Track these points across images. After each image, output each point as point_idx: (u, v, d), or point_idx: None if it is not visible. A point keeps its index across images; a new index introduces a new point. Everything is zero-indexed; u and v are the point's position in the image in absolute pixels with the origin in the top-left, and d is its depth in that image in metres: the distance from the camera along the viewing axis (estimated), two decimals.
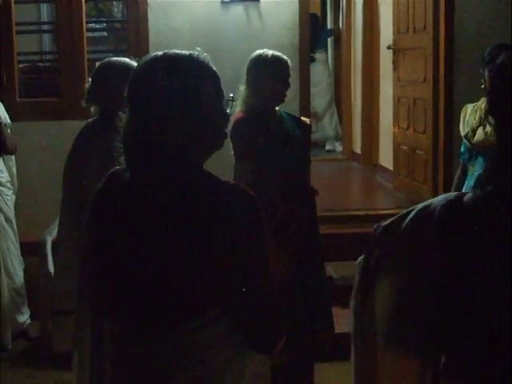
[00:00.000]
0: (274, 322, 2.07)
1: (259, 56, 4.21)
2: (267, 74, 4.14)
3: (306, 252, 4.29)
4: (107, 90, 3.90)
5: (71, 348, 4.10)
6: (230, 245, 1.95)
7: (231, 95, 2.15)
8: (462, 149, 4.93)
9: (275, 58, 4.17)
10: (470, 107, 4.82)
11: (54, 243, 4.54)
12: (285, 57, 4.21)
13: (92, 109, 4.01)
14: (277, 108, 4.30)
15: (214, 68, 2.09)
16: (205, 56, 2.08)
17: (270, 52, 4.21)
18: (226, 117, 2.12)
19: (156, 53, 2.07)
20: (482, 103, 4.65)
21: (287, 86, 4.20)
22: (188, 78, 2.01)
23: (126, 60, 4.00)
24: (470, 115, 4.75)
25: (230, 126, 3.94)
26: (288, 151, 4.20)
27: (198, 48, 2.10)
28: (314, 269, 4.33)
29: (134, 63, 3.96)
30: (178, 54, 2.06)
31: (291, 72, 4.25)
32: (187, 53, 2.07)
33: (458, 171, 5.00)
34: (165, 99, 1.99)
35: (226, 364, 2.04)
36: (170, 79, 2.00)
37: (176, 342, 1.99)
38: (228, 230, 1.95)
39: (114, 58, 4.13)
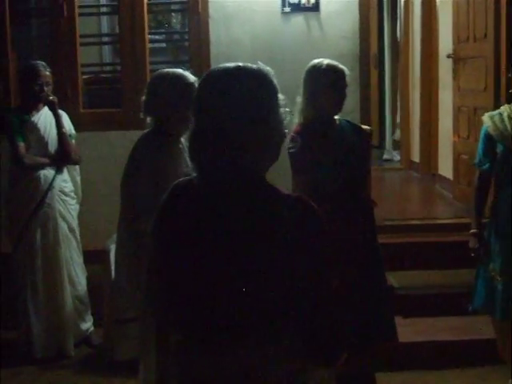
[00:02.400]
0: (336, 335, 2.05)
1: (314, 66, 4.19)
2: (323, 84, 4.11)
3: (365, 262, 4.27)
4: (161, 101, 3.93)
5: (132, 356, 4.18)
6: (294, 258, 1.96)
7: (287, 109, 2.16)
8: (481, 156, 4.63)
9: (330, 68, 4.14)
10: None
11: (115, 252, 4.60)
12: (341, 66, 4.18)
13: (148, 120, 4.05)
14: (337, 117, 4.29)
15: (272, 77, 2.11)
16: (267, 70, 2.11)
17: (326, 61, 4.18)
18: (284, 130, 2.13)
19: (225, 64, 2.10)
20: None
21: (344, 95, 4.16)
22: (255, 92, 2.04)
23: (180, 71, 4.02)
24: None
25: (287, 139, 3.96)
26: (347, 161, 4.19)
27: (259, 62, 2.13)
28: (374, 279, 4.32)
29: (188, 74, 4.00)
30: (248, 67, 2.09)
31: (351, 81, 4.23)
32: (254, 66, 2.09)
33: (477, 182, 4.66)
34: (232, 111, 2.01)
35: (290, 378, 2.04)
36: (240, 90, 2.03)
37: (240, 355, 2.00)
38: (292, 242, 1.96)
39: (168, 69, 4.13)
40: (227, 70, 2.08)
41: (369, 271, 4.28)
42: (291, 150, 4.04)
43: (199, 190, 2.09)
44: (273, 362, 2.01)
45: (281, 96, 2.10)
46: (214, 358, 2.03)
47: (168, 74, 4.05)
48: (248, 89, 2.04)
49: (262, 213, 2.01)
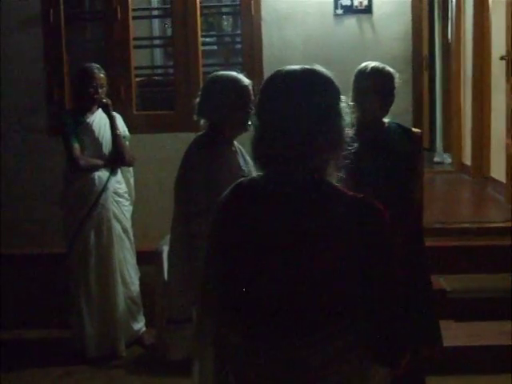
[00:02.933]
0: (403, 336, 2.06)
1: (360, 70, 4.15)
2: (367, 87, 4.07)
3: (409, 266, 4.25)
4: (215, 104, 3.94)
5: (184, 357, 4.20)
6: (361, 259, 1.97)
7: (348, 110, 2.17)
8: None
9: (375, 71, 4.10)
10: None
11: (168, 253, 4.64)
12: (387, 68, 4.14)
13: (201, 122, 4.06)
14: (386, 120, 4.28)
15: (335, 81, 2.13)
16: (329, 72, 2.12)
17: (372, 64, 4.14)
18: (347, 131, 2.14)
19: (288, 67, 2.11)
20: None
21: (390, 97, 4.12)
22: (321, 93, 2.06)
23: (234, 74, 4.02)
24: None
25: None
26: (393, 164, 4.16)
27: (318, 66, 2.14)
28: (418, 283, 4.29)
29: (242, 77, 4.01)
30: (310, 69, 2.10)
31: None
32: (317, 68, 2.11)
33: None
34: (299, 113, 2.02)
35: (345, 380, 2.04)
36: (304, 94, 2.04)
37: (299, 356, 2.01)
38: (359, 244, 1.97)
39: (223, 72, 4.14)
40: (292, 72, 2.09)
41: (412, 275, 4.26)
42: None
43: (263, 190, 2.10)
44: (329, 365, 2.02)
45: (343, 98, 2.11)
46: (272, 359, 2.03)
47: (222, 76, 4.07)
48: (314, 91, 2.05)
49: (327, 214, 2.01)
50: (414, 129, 4.59)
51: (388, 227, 2.04)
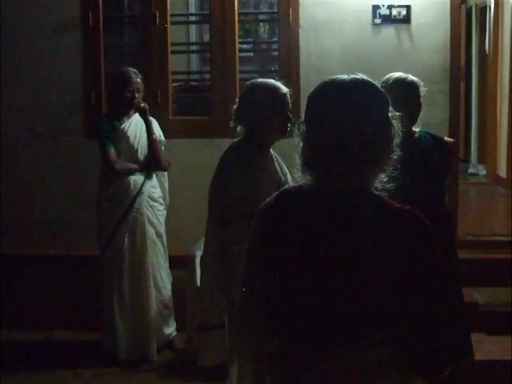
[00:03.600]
0: (446, 347, 2.06)
1: (384, 81, 4.17)
2: (391, 98, 4.10)
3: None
4: (253, 111, 3.96)
5: (215, 363, 4.20)
6: (405, 271, 1.98)
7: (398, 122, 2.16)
8: None
9: (397, 81, 4.16)
10: None
11: (201, 258, 4.65)
12: (411, 78, 4.19)
13: (238, 129, 4.08)
14: (417, 129, 4.27)
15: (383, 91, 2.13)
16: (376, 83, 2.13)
17: (395, 75, 4.21)
18: (395, 143, 2.14)
19: (341, 76, 2.11)
20: None
21: (415, 107, 4.15)
22: (374, 105, 2.07)
23: (273, 81, 4.05)
24: None
25: None
26: (421, 173, 4.16)
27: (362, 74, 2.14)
28: (451, 295, 4.26)
29: (280, 85, 4.02)
30: (360, 79, 2.10)
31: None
32: (367, 78, 2.11)
33: None
34: (351, 124, 2.02)
35: None
36: (356, 104, 2.05)
37: (341, 363, 2.01)
38: (404, 256, 1.98)
39: (261, 79, 4.18)
40: (342, 82, 2.10)
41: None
42: None
43: (312, 199, 2.10)
44: (372, 373, 2.02)
45: (391, 107, 2.11)
46: (314, 366, 2.04)
47: (261, 83, 4.09)
48: (366, 101, 2.06)
49: (376, 226, 2.02)
50: (446, 138, 4.58)
51: (434, 240, 2.04)
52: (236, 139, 4.11)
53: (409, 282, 1.98)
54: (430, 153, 4.20)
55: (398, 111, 4.00)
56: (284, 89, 4.01)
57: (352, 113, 2.03)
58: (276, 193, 2.23)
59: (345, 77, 2.10)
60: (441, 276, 2.05)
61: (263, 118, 3.94)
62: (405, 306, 1.99)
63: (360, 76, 2.11)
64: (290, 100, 4.03)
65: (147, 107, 5.56)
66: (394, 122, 2.12)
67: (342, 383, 2.02)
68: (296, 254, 2.08)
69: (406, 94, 4.11)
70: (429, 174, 4.17)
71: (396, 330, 2.01)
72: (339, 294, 2.01)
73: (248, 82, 4.22)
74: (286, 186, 2.24)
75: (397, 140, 2.13)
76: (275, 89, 4.00)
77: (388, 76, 4.21)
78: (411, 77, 4.21)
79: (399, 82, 4.15)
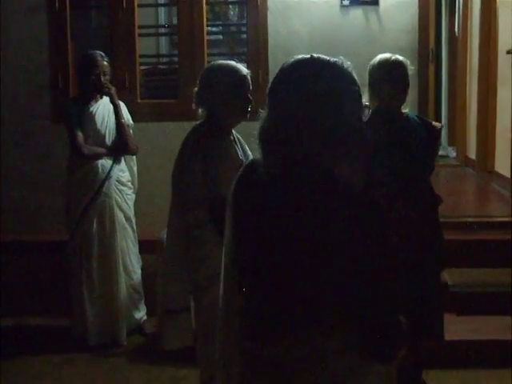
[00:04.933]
0: (395, 330, 2.03)
1: (378, 59, 4.22)
2: (384, 78, 4.15)
3: (418, 259, 4.25)
4: (213, 94, 3.92)
5: (180, 346, 4.20)
6: (354, 250, 1.95)
7: (366, 102, 2.14)
8: None
9: (382, 61, 4.19)
10: None
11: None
12: (396, 57, 4.20)
13: (200, 111, 4.06)
14: (406, 111, 4.30)
15: (356, 77, 2.09)
16: (349, 64, 2.08)
17: (389, 56, 4.22)
18: (363, 123, 2.13)
19: (303, 56, 2.08)
20: None
21: (401, 85, 4.18)
22: (332, 83, 2.02)
23: (233, 63, 4.01)
24: None
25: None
26: (406, 155, 4.18)
27: (341, 57, 2.10)
28: (427, 276, 4.28)
29: (241, 67, 4.00)
30: (325, 59, 2.07)
31: (410, 77, 4.23)
32: (333, 59, 2.07)
33: None
34: (308, 100, 2.00)
35: (349, 371, 2.04)
36: (315, 82, 2.01)
37: (306, 344, 2.01)
38: (352, 235, 1.95)
39: (221, 61, 4.13)
40: (301, 62, 2.07)
41: (421, 268, 4.26)
42: None
43: (272, 182, 2.08)
44: (335, 355, 2.02)
45: (357, 88, 2.09)
46: (284, 348, 2.05)
47: (221, 66, 4.05)
48: (324, 81, 2.02)
49: (332, 207, 1.99)
50: (434, 122, 4.61)
51: (385, 222, 2.02)
52: (197, 122, 4.09)
53: (361, 263, 1.96)
54: (417, 135, 4.23)
55: (387, 89, 4.08)
56: (244, 70, 3.97)
57: (304, 91, 2.01)
58: (239, 176, 2.21)
59: (304, 56, 2.07)
60: (388, 260, 2.03)
61: (223, 101, 3.92)
62: (359, 286, 1.97)
63: (321, 55, 2.08)
64: (250, 82, 4.01)
65: (114, 91, 5.52)
66: (357, 104, 2.08)
67: (306, 364, 2.02)
68: (260, 237, 2.08)
69: (391, 73, 4.15)
70: (415, 156, 4.19)
71: (355, 312, 1.99)
72: (298, 271, 2.00)
73: (208, 65, 4.20)
74: (248, 162, 2.20)
75: (360, 124, 2.10)
76: (235, 71, 3.97)
77: (383, 55, 4.24)
78: (397, 56, 4.23)
79: (384, 61, 4.19)
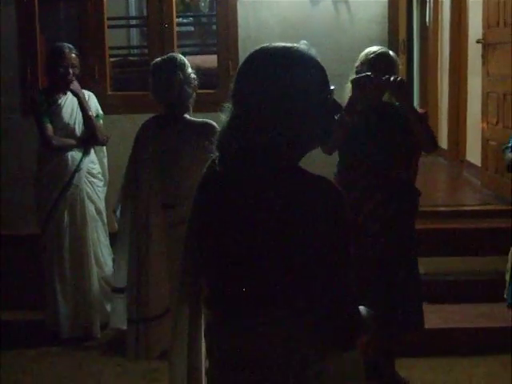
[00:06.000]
0: (350, 317, 2.02)
1: (365, 51, 4.32)
2: (368, 68, 4.22)
3: (396, 246, 4.27)
4: (163, 86, 4.09)
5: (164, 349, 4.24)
6: (311, 236, 1.95)
7: (333, 87, 2.12)
8: None
9: (377, 54, 4.25)
10: None
11: None
12: (387, 52, 4.29)
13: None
14: (388, 100, 4.35)
15: (319, 60, 2.07)
16: (310, 49, 2.07)
17: (376, 48, 4.31)
18: (337, 108, 2.11)
19: (262, 45, 2.07)
20: None
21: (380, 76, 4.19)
22: (292, 70, 2.00)
23: (181, 57, 4.14)
24: None
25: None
26: (386, 140, 4.24)
27: (305, 41, 2.09)
28: (404, 267, 4.31)
29: (186, 61, 4.11)
30: (282, 46, 2.05)
31: None
32: (291, 45, 2.05)
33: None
34: (266, 91, 1.99)
35: (306, 359, 2.03)
36: (273, 71, 2.00)
37: (263, 331, 2.02)
38: (309, 222, 1.95)
39: (172, 54, 4.32)
40: (264, 51, 2.06)
41: (398, 259, 4.28)
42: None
43: (232, 172, 2.08)
44: (291, 342, 2.02)
45: (320, 72, 2.07)
46: (240, 334, 2.05)
47: (166, 60, 4.21)
48: (284, 68, 2.00)
49: (279, 194, 1.98)
50: (419, 109, 4.65)
51: (343, 209, 1.99)
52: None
53: (320, 250, 1.96)
54: (397, 122, 4.29)
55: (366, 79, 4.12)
56: (189, 64, 4.14)
57: (261, 81, 2.00)
58: (205, 169, 2.21)
59: (264, 45, 2.06)
60: (348, 248, 2.01)
61: (171, 93, 4.00)
62: (312, 272, 1.97)
63: (286, 44, 2.06)
64: (196, 75, 4.13)
65: (75, 84, 5.48)
66: (321, 91, 2.05)
67: (263, 351, 2.03)
68: (217, 226, 2.09)
69: (374, 63, 4.22)
70: (393, 142, 4.26)
71: (313, 299, 1.99)
72: (254, 262, 2.01)
73: (155, 60, 4.30)
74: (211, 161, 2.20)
75: (328, 111, 2.09)
76: (184, 64, 4.08)
77: (369, 48, 4.33)
78: (384, 49, 4.34)
79: (369, 53, 4.27)
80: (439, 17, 9.67)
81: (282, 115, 1.99)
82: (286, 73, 2.00)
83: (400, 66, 4.38)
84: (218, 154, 2.09)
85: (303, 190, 1.99)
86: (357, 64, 4.30)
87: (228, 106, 2.08)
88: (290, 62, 2.02)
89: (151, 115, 6.03)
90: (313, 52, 2.07)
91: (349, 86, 4.23)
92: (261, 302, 2.01)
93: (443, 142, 9.30)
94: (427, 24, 10.42)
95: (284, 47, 2.05)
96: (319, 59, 2.08)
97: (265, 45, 2.08)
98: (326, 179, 2.03)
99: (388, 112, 4.33)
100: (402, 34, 10.63)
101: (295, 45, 2.06)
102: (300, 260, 1.96)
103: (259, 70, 2.04)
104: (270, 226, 1.98)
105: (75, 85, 5.47)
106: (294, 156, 2.07)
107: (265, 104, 1.99)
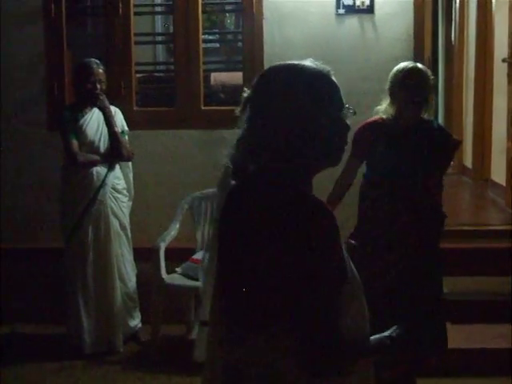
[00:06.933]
0: (329, 344, 1.94)
1: (397, 67, 4.30)
2: (399, 85, 4.21)
3: (419, 266, 4.25)
4: None
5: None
6: (296, 257, 1.92)
7: (351, 108, 2.11)
8: None
9: (409, 69, 4.24)
10: None
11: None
12: (419, 67, 4.27)
13: None
14: (428, 118, 4.35)
15: (334, 78, 2.08)
16: (324, 67, 2.08)
17: (407, 63, 4.31)
18: (345, 128, 2.09)
19: (277, 63, 2.09)
20: None
21: (416, 95, 4.21)
22: (306, 89, 2.01)
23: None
24: None
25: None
26: (413, 163, 4.22)
27: (316, 61, 2.10)
28: (428, 285, 4.28)
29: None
30: (296, 64, 2.06)
31: None
32: (306, 64, 2.06)
33: None
34: (278, 109, 2.00)
35: (298, 379, 2.00)
36: (286, 90, 2.01)
37: (249, 350, 2.03)
38: (295, 242, 1.93)
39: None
40: (276, 69, 2.08)
41: (422, 276, 4.25)
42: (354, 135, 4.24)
43: (239, 180, 2.12)
44: (282, 360, 2.00)
45: (334, 92, 2.07)
46: (240, 349, 2.06)
47: None
48: (297, 90, 2.01)
49: (273, 213, 1.99)
50: (454, 136, 4.65)
51: (328, 229, 1.95)
52: None
53: (299, 270, 1.93)
54: (430, 143, 4.27)
55: (401, 98, 4.11)
56: None
57: (272, 99, 2.01)
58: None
59: (278, 63, 2.09)
60: (331, 268, 1.95)
61: None
62: (298, 295, 1.94)
63: (299, 62, 2.07)
64: None
65: (102, 100, 5.51)
66: (334, 111, 2.05)
67: (254, 367, 2.03)
68: (230, 240, 2.12)
69: (405, 80, 4.20)
70: (429, 164, 4.23)
71: (296, 320, 1.96)
72: (251, 278, 2.02)
73: None
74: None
75: (340, 131, 2.08)
76: None
77: (403, 63, 4.32)
78: (416, 64, 4.32)
79: (401, 69, 4.25)
80: (465, 35, 9.64)
81: (288, 134, 1.99)
82: (291, 91, 2.00)
83: (432, 78, 4.32)
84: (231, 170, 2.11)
85: (290, 209, 1.97)
86: (388, 86, 4.27)
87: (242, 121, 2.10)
88: (299, 79, 2.02)
89: (176, 131, 6.11)
90: (325, 69, 2.08)
91: (380, 108, 4.24)
92: (254, 317, 2.03)
93: (468, 161, 9.26)
94: (452, 42, 10.39)
95: (292, 65, 2.06)
96: (333, 76, 2.08)
97: (275, 64, 2.10)
98: (314, 198, 2.00)
99: (423, 129, 4.32)
100: (428, 52, 10.60)
101: (305, 62, 2.06)
102: (281, 280, 1.95)
103: (267, 88, 2.05)
104: (260, 244, 1.99)
105: (103, 100, 5.51)
106: (299, 178, 2.06)
107: (271, 122, 2.01)
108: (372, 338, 2.10)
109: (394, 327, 2.14)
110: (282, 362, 1.99)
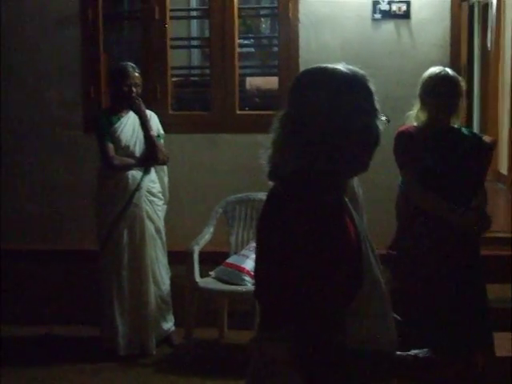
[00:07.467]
0: (322, 351, 1.91)
1: (428, 72, 4.29)
2: (430, 91, 4.21)
3: (465, 271, 4.22)
4: None
5: None
6: (286, 255, 1.93)
7: (386, 117, 2.11)
8: None
9: (440, 76, 4.23)
10: None
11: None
12: (450, 73, 4.26)
13: None
14: (457, 125, 4.34)
15: (370, 84, 2.07)
16: (358, 71, 2.07)
17: (438, 69, 4.29)
18: (377, 133, 2.07)
19: (313, 66, 2.10)
20: None
21: (448, 101, 4.21)
22: (336, 93, 2.01)
23: None
24: None
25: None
26: (451, 170, 4.20)
27: (349, 66, 2.09)
28: (473, 291, 4.27)
29: None
30: (329, 68, 2.06)
31: None
32: (339, 67, 2.06)
33: None
34: (311, 112, 2.00)
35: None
36: (317, 93, 2.01)
37: (265, 347, 2.07)
38: (283, 239, 1.95)
39: None
40: (308, 72, 2.10)
41: (468, 281, 4.23)
42: (394, 146, 4.26)
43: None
44: (283, 365, 2.01)
45: (375, 102, 2.07)
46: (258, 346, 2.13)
47: None
48: (326, 89, 2.01)
49: (271, 212, 2.06)
50: (485, 137, 4.61)
51: (312, 225, 1.93)
52: None
53: (289, 268, 1.93)
54: (466, 149, 4.26)
55: (432, 104, 4.10)
56: None
57: (306, 103, 2.02)
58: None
59: (313, 67, 2.10)
60: (317, 266, 1.91)
61: None
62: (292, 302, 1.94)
63: (328, 65, 2.07)
64: None
65: (138, 104, 5.54)
66: (367, 115, 2.05)
67: (260, 368, 2.08)
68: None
69: (436, 86, 4.21)
70: (457, 173, 4.22)
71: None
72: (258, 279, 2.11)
73: None
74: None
75: (373, 135, 2.06)
76: None
77: (434, 69, 4.31)
78: (447, 70, 4.31)
79: (432, 75, 4.25)
80: (501, 40, 9.57)
81: (319, 137, 1.99)
82: (322, 94, 2.01)
83: (463, 84, 4.32)
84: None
85: (282, 208, 2.00)
86: (418, 92, 4.26)
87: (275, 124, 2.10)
88: (330, 82, 2.03)
89: (211, 135, 6.13)
90: (359, 73, 2.07)
91: (411, 114, 4.23)
92: (263, 317, 2.12)
93: (503, 168, 9.19)
94: (489, 48, 10.32)
95: (325, 68, 2.06)
96: (368, 81, 2.07)
97: (309, 67, 2.11)
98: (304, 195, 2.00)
99: (454, 135, 4.30)
100: (464, 59, 10.55)
101: (337, 65, 2.07)
102: (285, 280, 1.95)
103: (300, 92, 2.07)
104: (264, 245, 2.06)
105: (139, 104, 5.54)
106: (328, 182, 2.04)
107: (301, 125, 2.02)
108: (397, 353, 2.05)
109: (425, 349, 2.09)
110: (284, 366, 2.01)
